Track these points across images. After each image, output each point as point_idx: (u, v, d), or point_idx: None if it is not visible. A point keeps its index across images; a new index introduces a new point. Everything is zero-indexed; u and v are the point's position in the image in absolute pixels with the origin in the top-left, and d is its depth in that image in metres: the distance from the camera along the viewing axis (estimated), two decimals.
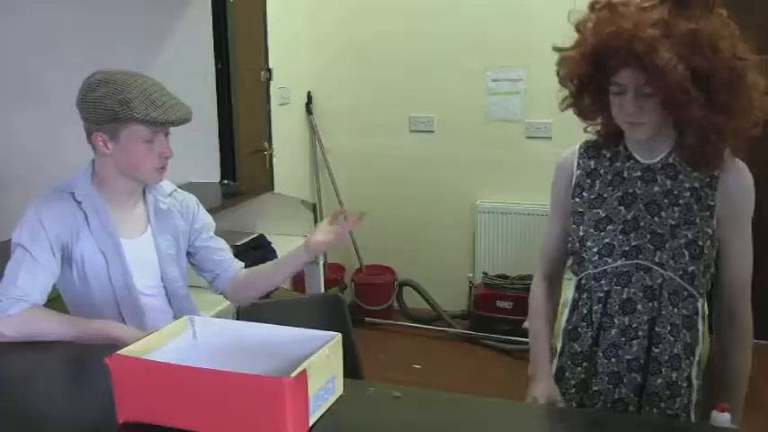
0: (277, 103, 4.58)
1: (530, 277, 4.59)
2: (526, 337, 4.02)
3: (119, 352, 1.46)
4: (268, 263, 2.38)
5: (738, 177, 1.69)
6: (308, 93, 5.00)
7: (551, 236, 1.91)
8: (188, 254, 2.26)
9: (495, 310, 4.59)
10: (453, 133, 4.80)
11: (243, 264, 2.33)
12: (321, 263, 3.89)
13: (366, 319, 4.87)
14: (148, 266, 2.13)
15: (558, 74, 1.76)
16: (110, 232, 2.06)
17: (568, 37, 1.73)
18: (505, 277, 4.66)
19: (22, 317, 1.91)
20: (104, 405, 1.46)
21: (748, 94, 1.58)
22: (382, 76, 4.89)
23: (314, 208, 4.18)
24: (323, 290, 3.94)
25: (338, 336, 1.55)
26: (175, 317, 2.10)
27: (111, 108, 1.94)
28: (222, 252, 2.30)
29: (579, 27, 1.69)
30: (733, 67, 1.55)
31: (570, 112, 1.79)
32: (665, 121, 1.64)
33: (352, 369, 1.79)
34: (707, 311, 1.77)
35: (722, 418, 1.58)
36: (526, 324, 1.97)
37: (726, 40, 1.56)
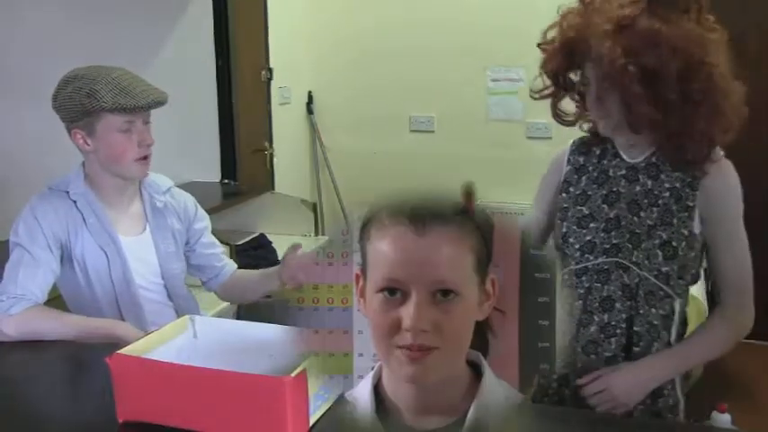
0: (278, 103, 4.58)
1: None
2: None
3: (119, 351, 1.46)
4: (257, 271, 2.35)
5: (720, 178, 1.66)
6: (309, 92, 5.00)
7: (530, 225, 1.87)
8: (185, 254, 2.26)
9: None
10: (453, 133, 4.80)
11: (236, 266, 2.33)
12: None
13: None
14: (148, 264, 2.13)
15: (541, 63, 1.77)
16: (108, 230, 2.05)
17: None
18: None
19: (24, 316, 1.90)
20: (105, 404, 1.46)
21: (716, 100, 1.56)
22: (382, 77, 4.88)
23: (314, 207, 4.18)
24: None
25: None
26: (177, 313, 2.11)
27: (79, 102, 1.94)
28: (220, 256, 2.30)
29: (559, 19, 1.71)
30: (697, 71, 1.54)
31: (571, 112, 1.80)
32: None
33: None
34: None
35: (722, 418, 1.58)
36: None
37: (693, 43, 1.54)
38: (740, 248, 1.69)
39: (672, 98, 1.55)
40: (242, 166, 4.17)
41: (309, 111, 5.01)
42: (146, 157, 2.04)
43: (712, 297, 1.77)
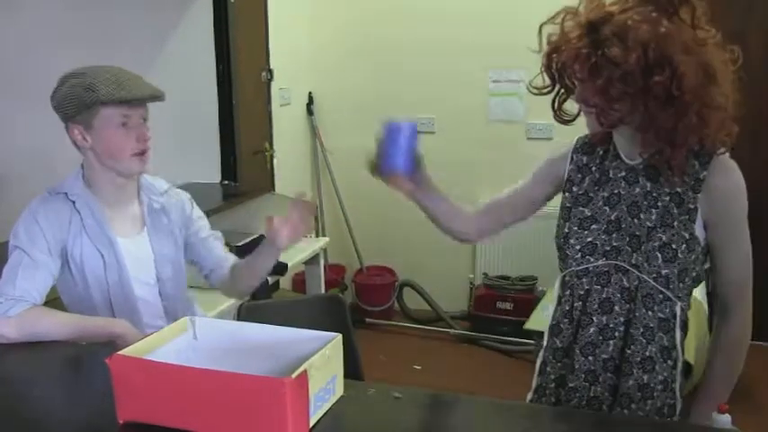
0: (278, 104, 4.58)
1: (530, 278, 4.65)
2: (526, 338, 4.00)
3: (119, 352, 1.46)
4: (248, 258, 2.26)
5: (724, 178, 1.64)
6: (309, 93, 5.01)
7: (518, 188, 1.98)
8: (185, 248, 2.25)
9: (496, 311, 4.59)
10: (454, 134, 4.80)
11: (235, 258, 2.30)
12: (322, 263, 3.90)
13: (366, 319, 4.87)
14: (145, 266, 2.13)
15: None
16: (106, 231, 2.06)
17: None
18: (506, 278, 4.66)
19: (23, 317, 1.90)
20: (105, 405, 1.46)
21: (684, 100, 1.53)
22: (383, 78, 4.88)
23: (314, 209, 4.18)
24: (323, 290, 3.94)
25: (339, 336, 1.55)
26: (168, 317, 2.10)
27: (78, 96, 1.96)
28: (216, 250, 2.29)
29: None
30: (659, 65, 1.51)
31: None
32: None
33: (352, 370, 1.79)
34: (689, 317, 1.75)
35: (722, 419, 1.58)
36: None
37: (662, 39, 1.51)
38: (745, 250, 1.69)
39: (633, 92, 1.54)
40: (242, 167, 4.17)
41: (310, 112, 5.02)
42: (143, 152, 2.05)
43: (712, 300, 1.77)
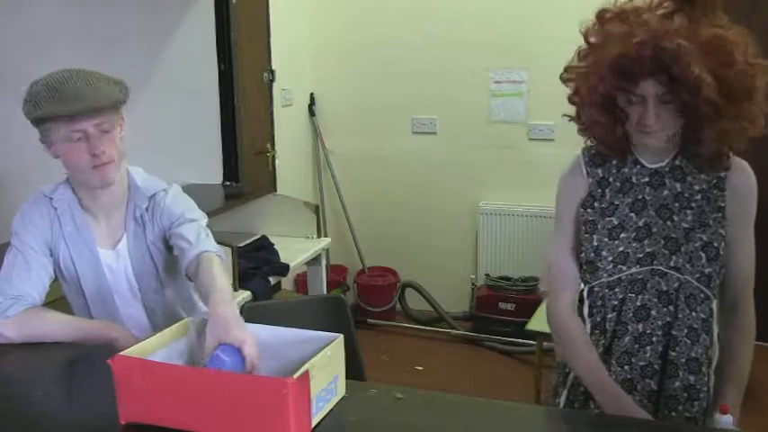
0: (280, 105, 4.58)
1: (532, 279, 4.63)
2: (527, 338, 4.00)
3: (121, 353, 1.46)
4: (208, 281, 1.85)
5: (744, 176, 1.70)
6: (311, 94, 5.00)
7: (566, 252, 1.81)
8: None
9: (498, 311, 4.59)
10: (456, 135, 4.80)
11: (200, 252, 1.94)
12: (324, 264, 3.90)
13: (368, 320, 4.87)
14: (125, 278, 2.07)
15: (573, 91, 1.73)
16: (86, 240, 2.03)
17: (569, 43, 1.72)
18: (508, 279, 4.65)
19: (21, 318, 1.90)
20: (107, 406, 1.46)
21: (759, 99, 1.58)
22: (385, 79, 4.88)
23: (316, 209, 4.18)
24: (325, 291, 3.94)
25: (340, 337, 1.55)
26: (150, 322, 2.08)
27: (28, 111, 1.87)
28: (182, 243, 1.99)
29: (590, 38, 1.66)
30: (746, 72, 1.55)
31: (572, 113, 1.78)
32: (678, 126, 1.64)
33: (354, 370, 1.79)
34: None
35: (724, 419, 1.57)
36: (560, 351, 1.84)
37: (739, 45, 1.55)
38: (752, 246, 1.75)
39: (737, 104, 1.57)
40: (244, 167, 4.17)
41: (311, 112, 5.02)
42: (99, 166, 1.89)
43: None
